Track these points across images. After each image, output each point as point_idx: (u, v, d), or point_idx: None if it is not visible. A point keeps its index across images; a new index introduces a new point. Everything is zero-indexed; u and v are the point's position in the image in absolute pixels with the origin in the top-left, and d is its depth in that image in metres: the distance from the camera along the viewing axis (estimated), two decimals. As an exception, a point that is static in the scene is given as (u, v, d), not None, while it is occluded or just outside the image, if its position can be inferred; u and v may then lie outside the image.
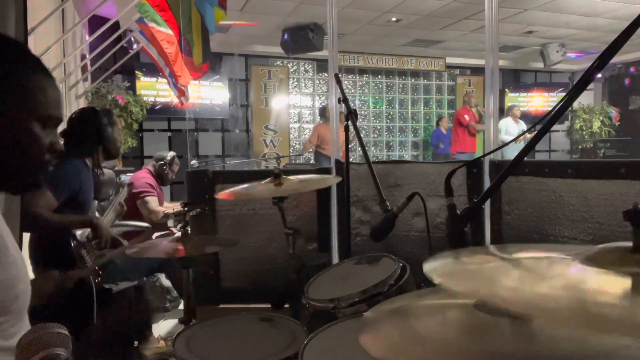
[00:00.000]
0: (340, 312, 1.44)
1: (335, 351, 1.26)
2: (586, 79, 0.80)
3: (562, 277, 0.64)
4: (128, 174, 4.31)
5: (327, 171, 2.64)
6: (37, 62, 0.98)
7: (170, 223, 3.83)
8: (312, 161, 8.93)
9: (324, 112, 7.21)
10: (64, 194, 2.20)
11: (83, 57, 5.64)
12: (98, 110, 2.46)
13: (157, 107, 7.60)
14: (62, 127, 2.46)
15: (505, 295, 0.60)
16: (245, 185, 2.03)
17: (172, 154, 3.87)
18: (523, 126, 8.01)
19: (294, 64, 9.07)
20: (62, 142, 2.35)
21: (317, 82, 9.30)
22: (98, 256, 2.35)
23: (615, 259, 0.63)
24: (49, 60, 3.99)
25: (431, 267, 0.71)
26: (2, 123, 0.90)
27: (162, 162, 3.78)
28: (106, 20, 4.36)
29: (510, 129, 8.01)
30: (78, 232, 2.21)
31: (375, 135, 9.78)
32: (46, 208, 2.11)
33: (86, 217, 2.29)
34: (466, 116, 7.95)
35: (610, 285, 0.59)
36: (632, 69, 9.98)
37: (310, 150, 7.56)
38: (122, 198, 2.74)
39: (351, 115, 1.93)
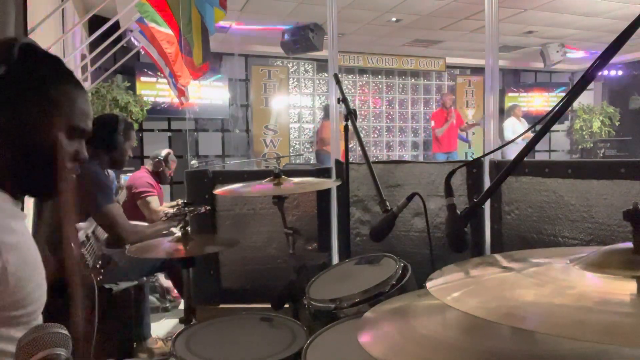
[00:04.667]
0: (342, 312, 1.44)
1: (339, 351, 1.26)
2: (586, 79, 0.80)
3: (570, 286, 0.64)
4: (128, 174, 4.31)
5: (327, 172, 2.64)
6: (69, 75, 1.06)
7: (170, 223, 3.82)
8: (312, 161, 8.93)
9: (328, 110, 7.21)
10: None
11: (83, 57, 5.64)
12: (117, 118, 2.56)
13: (157, 107, 7.60)
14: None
15: (522, 314, 0.59)
16: (245, 184, 2.03)
17: (167, 150, 3.87)
18: (527, 125, 8.02)
19: (294, 64, 9.05)
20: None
21: (317, 82, 9.29)
22: (98, 255, 2.35)
23: (618, 263, 0.63)
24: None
25: (436, 285, 0.71)
26: (29, 130, 0.96)
27: (158, 160, 3.79)
28: (106, 20, 4.36)
29: (516, 128, 8.01)
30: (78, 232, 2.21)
31: (375, 135, 9.78)
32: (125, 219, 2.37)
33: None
34: (433, 122, 8.07)
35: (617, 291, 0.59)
36: (632, 69, 9.97)
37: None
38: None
39: (350, 115, 1.93)
